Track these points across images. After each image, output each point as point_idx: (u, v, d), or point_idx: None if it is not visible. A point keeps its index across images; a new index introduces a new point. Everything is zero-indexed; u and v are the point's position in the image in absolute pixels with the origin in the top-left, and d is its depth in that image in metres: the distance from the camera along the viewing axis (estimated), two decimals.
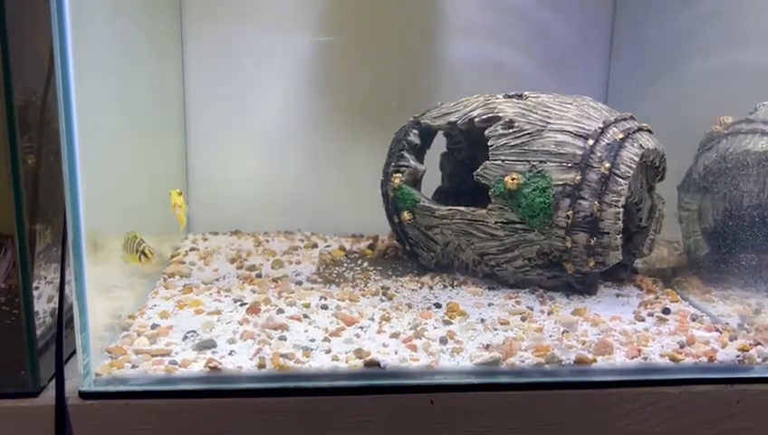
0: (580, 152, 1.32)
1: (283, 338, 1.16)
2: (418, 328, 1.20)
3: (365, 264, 1.59)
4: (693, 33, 1.61)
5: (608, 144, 1.33)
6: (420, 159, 1.53)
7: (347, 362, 1.08)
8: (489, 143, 1.38)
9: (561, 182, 1.31)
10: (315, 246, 1.73)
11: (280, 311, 1.27)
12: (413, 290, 1.41)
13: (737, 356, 1.14)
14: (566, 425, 1.08)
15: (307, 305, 1.29)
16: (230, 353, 1.10)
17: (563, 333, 1.20)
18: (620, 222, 1.32)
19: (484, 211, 1.37)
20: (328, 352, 1.12)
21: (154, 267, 1.39)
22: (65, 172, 0.97)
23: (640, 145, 1.35)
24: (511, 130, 1.37)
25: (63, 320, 1.03)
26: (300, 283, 1.44)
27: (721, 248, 1.39)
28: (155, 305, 1.29)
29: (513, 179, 1.32)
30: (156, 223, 1.45)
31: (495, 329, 1.22)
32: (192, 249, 1.66)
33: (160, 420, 1.02)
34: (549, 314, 1.29)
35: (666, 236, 1.52)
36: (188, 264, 1.56)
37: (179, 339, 1.15)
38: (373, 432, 1.05)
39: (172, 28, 1.70)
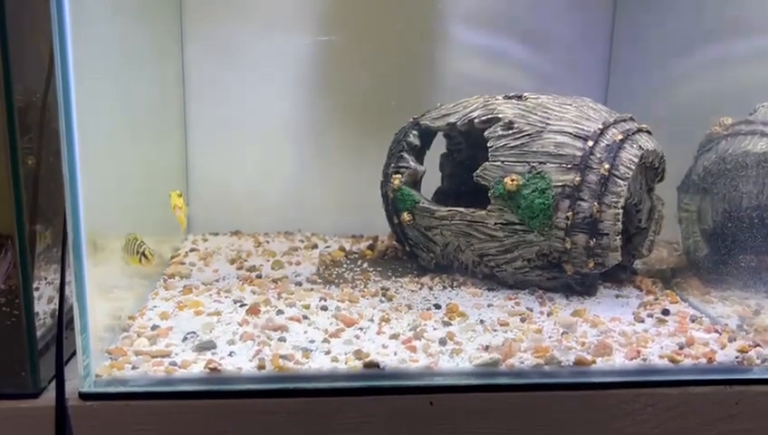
0: (579, 153, 1.32)
1: (282, 339, 1.16)
2: (418, 329, 1.20)
3: (365, 265, 1.59)
4: (693, 34, 1.61)
5: (607, 145, 1.33)
6: (420, 160, 1.53)
7: (346, 363, 1.09)
8: (489, 144, 1.38)
9: (560, 183, 1.31)
10: (315, 246, 1.73)
11: (280, 312, 1.27)
12: (413, 291, 1.41)
13: (736, 357, 1.15)
14: (565, 426, 1.09)
15: (307, 306, 1.30)
16: (230, 355, 1.10)
17: (563, 334, 1.21)
18: (620, 223, 1.32)
19: (483, 212, 1.37)
20: (327, 353, 1.12)
21: (154, 268, 1.39)
22: (65, 173, 0.97)
23: (640, 146, 1.35)
24: (510, 132, 1.37)
25: (64, 321, 1.03)
26: (300, 284, 1.44)
27: (720, 249, 1.39)
28: (155, 306, 1.30)
29: (512, 181, 1.32)
30: (156, 223, 1.45)
31: (495, 330, 1.22)
32: (192, 250, 1.66)
33: (160, 421, 1.02)
34: (548, 315, 1.30)
35: (665, 237, 1.52)
36: (188, 264, 1.56)
37: (179, 340, 1.15)
38: (373, 433, 1.05)
39: (172, 28, 1.70)
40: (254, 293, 1.38)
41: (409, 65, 1.81)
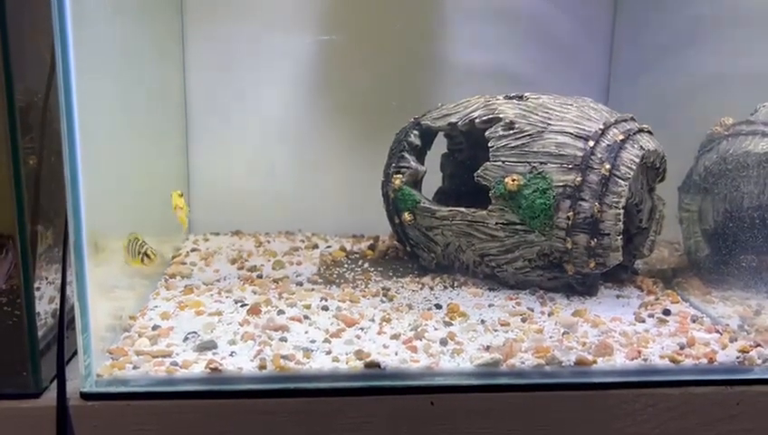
0: (580, 154, 1.32)
1: (283, 339, 1.16)
2: (419, 329, 1.20)
3: (366, 264, 1.59)
4: (693, 34, 1.61)
5: (608, 145, 1.33)
6: (421, 160, 1.53)
7: (347, 363, 1.09)
8: (489, 144, 1.38)
9: (561, 183, 1.31)
10: (316, 246, 1.73)
11: (281, 312, 1.27)
12: (413, 291, 1.41)
13: (737, 358, 1.15)
14: (566, 426, 1.09)
15: (308, 306, 1.30)
16: (231, 355, 1.10)
17: (564, 334, 1.21)
18: (621, 223, 1.32)
19: (484, 212, 1.37)
20: (328, 353, 1.12)
21: (155, 268, 1.39)
22: (67, 173, 0.97)
23: (641, 146, 1.35)
24: (511, 132, 1.37)
25: (65, 321, 1.03)
26: (301, 283, 1.45)
27: (721, 249, 1.39)
28: (156, 306, 1.30)
29: (513, 181, 1.33)
30: (157, 223, 1.45)
31: (496, 330, 1.22)
32: (193, 250, 1.66)
33: (161, 421, 1.02)
34: (549, 315, 1.30)
35: (666, 237, 1.52)
36: (189, 264, 1.56)
37: (180, 340, 1.15)
38: (373, 433, 1.05)
39: (173, 28, 1.70)
40: (255, 293, 1.38)
41: (409, 65, 1.81)
